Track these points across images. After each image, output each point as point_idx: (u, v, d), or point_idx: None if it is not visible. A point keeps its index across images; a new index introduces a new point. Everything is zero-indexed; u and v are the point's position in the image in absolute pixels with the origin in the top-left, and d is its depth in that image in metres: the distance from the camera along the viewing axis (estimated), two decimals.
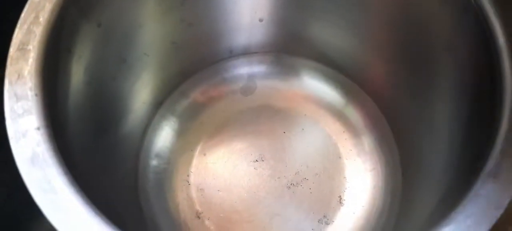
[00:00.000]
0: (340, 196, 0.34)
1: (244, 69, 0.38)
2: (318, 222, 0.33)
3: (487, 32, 0.23)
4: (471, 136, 0.23)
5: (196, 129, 0.37)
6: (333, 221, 0.33)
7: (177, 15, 0.31)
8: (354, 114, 0.37)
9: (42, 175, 0.18)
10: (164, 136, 0.36)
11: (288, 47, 0.37)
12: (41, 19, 0.21)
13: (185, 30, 0.32)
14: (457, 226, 0.17)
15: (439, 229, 0.18)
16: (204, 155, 0.35)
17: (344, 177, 0.35)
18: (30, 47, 0.21)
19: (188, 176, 0.35)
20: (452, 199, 0.20)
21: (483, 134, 0.21)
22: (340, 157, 0.36)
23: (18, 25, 0.21)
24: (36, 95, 0.20)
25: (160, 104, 0.36)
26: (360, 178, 0.35)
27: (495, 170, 0.18)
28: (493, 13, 0.22)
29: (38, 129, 0.19)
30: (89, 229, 0.17)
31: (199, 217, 0.34)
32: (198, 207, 0.34)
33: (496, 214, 0.17)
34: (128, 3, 0.27)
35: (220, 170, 0.35)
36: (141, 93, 0.34)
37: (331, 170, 0.35)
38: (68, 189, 0.18)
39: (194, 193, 0.34)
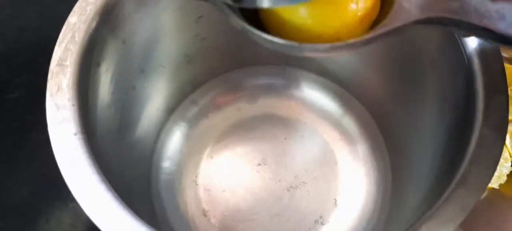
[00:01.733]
0: (335, 199, 0.36)
1: (249, 80, 0.40)
2: (315, 222, 0.35)
3: (465, 55, 0.25)
4: (449, 145, 0.25)
5: (205, 134, 0.38)
6: (328, 222, 0.35)
7: (191, 31, 0.33)
8: (350, 124, 0.39)
9: (80, 174, 0.21)
10: (175, 140, 0.38)
11: (291, 60, 0.39)
12: (77, 38, 0.24)
13: (197, 44, 0.34)
14: (429, 225, 0.20)
15: (416, 228, 0.21)
16: (212, 158, 0.37)
17: (340, 181, 0.37)
18: (68, 63, 0.23)
19: (196, 177, 0.37)
20: (431, 200, 0.22)
21: (458, 144, 0.23)
22: (336, 163, 0.37)
23: (57, 43, 0.24)
24: (73, 105, 0.22)
25: (172, 111, 0.38)
26: (354, 182, 0.37)
27: (464, 177, 0.21)
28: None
29: (75, 134, 0.22)
30: (121, 220, 0.20)
31: (205, 215, 0.35)
32: (205, 206, 0.36)
33: (463, 215, 0.20)
34: (149, 23, 0.29)
35: (225, 172, 0.37)
36: (155, 101, 0.36)
37: (327, 175, 0.37)
38: (100, 186, 0.21)
39: (201, 193, 0.36)
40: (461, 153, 0.23)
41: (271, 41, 0.19)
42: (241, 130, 0.39)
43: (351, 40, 0.19)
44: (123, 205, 0.21)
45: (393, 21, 0.19)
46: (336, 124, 0.39)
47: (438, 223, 0.20)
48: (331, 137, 0.39)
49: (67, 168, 0.21)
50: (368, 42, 0.19)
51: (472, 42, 0.25)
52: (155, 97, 0.36)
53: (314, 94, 0.40)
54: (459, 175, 0.21)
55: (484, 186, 0.21)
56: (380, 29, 0.19)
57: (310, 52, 0.21)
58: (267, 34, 0.20)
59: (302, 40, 0.20)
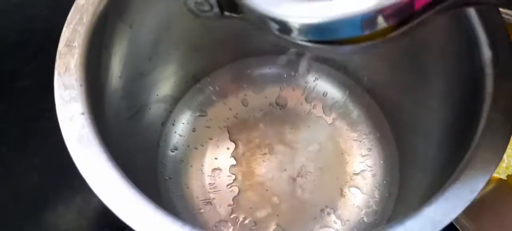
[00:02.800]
0: (341, 189, 0.36)
1: (256, 69, 0.40)
2: (321, 211, 0.35)
3: (474, 42, 0.25)
4: (457, 129, 0.25)
5: (211, 123, 0.39)
6: (334, 211, 0.35)
7: (199, 21, 0.33)
8: (357, 114, 0.39)
9: (86, 152, 0.21)
10: (181, 128, 0.38)
11: (297, 50, 0.40)
12: (84, 20, 0.24)
13: (205, 33, 0.34)
14: (438, 207, 0.20)
15: (423, 209, 0.21)
16: (217, 147, 0.38)
17: (346, 171, 0.37)
18: (76, 44, 0.24)
19: (202, 165, 0.37)
20: (439, 186, 0.22)
21: (466, 128, 0.23)
22: (342, 153, 0.37)
23: (66, 24, 0.24)
24: (80, 85, 0.23)
25: (179, 99, 0.38)
26: (361, 172, 0.37)
27: (471, 159, 0.21)
28: (481, 30, 0.25)
29: (83, 114, 0.22)
30: (126, 198, 0.20)
31: (211, 203, 0.36)
32: (210, 194, 0.36)
33: (471, 197, 0.20)
34: (157, 10, 0.29)
35: (231, 161, 0.37)
36: (162, 89, 0.36)
37: (334, 164, 0.37)
38: (107, 164, 0.21)
39: (207, 181, 0.36)
40: (469, 136, 0.22)
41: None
42: (247, 119, 0.39)
43: (390, 35, 0.18)
44: (130, 183, 0.21)
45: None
46: (342, 114, 0.39)
47: (447, 206, 0.20)
48: (337, 126, 0.39)
49: (74, 146, 0.21)
50: (404, 34, 0.18)
51: (481, 32, 0.25)
52: (162, 85, 0.36)
53: (320, 84, 0.40)
54: (466, 158, 0.21)
55: (492, 169, 0.21)
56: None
57: (351, 52, 0.20)
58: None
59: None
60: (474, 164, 0.21)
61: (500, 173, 0.36)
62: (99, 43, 0.25)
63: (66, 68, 0.23)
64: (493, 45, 0.24)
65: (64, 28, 0.24)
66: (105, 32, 0.25)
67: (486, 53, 0.24)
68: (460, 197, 0.20)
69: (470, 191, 0.20)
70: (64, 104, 0.22)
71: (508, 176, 0.36)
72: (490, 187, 0.37)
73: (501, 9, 0.27)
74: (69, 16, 0.24)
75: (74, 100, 0.22)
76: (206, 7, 0.20)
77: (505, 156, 0.36)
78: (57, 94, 0.22)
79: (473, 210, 0.35)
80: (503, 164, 0.36)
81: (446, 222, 0.20)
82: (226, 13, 0.20)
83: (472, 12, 0.25)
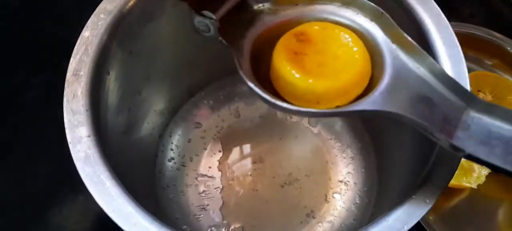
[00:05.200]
0: (326, 195, 0.38)
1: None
2: (306, 216, 0.38)
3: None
4: (422, 150, 0.28)
5: (205, 133, 0.41)
6: (318, 216, 0.38)
7: (192, 41, 0.35)
8: (341, 125, 0.41)
9: (93, 171, 0.24)
10: (177, 139, 0.41)
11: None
12: (89, 51, 0.27)
13: (198, 52, 0.37)
14: (399, 215, 0.23)
15: (386, 218, 0.24)
16: (211, 157, 0.40)
17: (330, 179, 0.39)
18: (82, 73, 0.26)
19: (197, 174, 0.39)
20: (405, 195, 0.25)
21: (427, 151, 0.26)
22: (327, 162, 0.40)
23: (72, 55, 0.27)
24: (87, 110, 0.25)
25: (175, 112, 0.41)
26: (343, 180, 0.39)
27: (427, 179, 0.24)
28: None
29: (89, 136, 0.25)
30: (128, 211, 0.23)
31: (205, 209, 0.38)
32: (205, 201, 0.38)
33: (427, 206, 0.23)
34: (154, 35, 0.32)
35: (224, 170, 0.39)
36: (159, 104, 0.39)
37: (319, 172, 0.39)
38: (111, 182, 0.24)
39: (202, 189, 0.39)
40: (429, 157, 0.25)
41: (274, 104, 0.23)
42: (239, 130, 0.41)
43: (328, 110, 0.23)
44: (130, 197, 0.24)
45: (365, 105, 0.22)
46: (327, 125, 0.42)
47: (406, 214, 0.23)
48: (323, 137, 0.41)
49: (82, 166, 0.24)
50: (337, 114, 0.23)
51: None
52: (159, 101, 0.39)
53: None
54: (424, 174, 0.24)
55: (445, 183, 0.24)
56: (350, 107, 0.22)
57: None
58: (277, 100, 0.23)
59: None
60: (430, 179, 0.24)
61: (471, 182, 0.38)
62: (102, 70, 0.28)
63: (73, 95, 0.26)
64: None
65: (72, 59, 0.27)
66: (107, 60, 0.28)
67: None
68: (417, 206, 0.23)
69: (427, 201, 0.23)
70: (73, 128, 0.25)
71: (479, 185, 0.39)
72: (464, 196, 0.40)
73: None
74: (75, 47, 0.27)
75: (81, 125, 0.25)
76: (205, 28, 0.24)
77: (475, 167, 0.39)
78: (66, 120, 0.25)
79: (450, 218, 0.38)
80: (474, 174, 0.39)
81: (405, 229, 0.23)
82: (220, 38, 0.23)
83: None
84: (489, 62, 0.44)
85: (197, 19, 0.23)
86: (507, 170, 0.20)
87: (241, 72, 0.23)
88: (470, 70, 0.42)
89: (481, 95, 0.42)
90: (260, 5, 0.25)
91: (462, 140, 0.21)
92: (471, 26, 0.43)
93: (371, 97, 0.22)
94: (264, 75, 0.24)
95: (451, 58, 0.27)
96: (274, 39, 0.24)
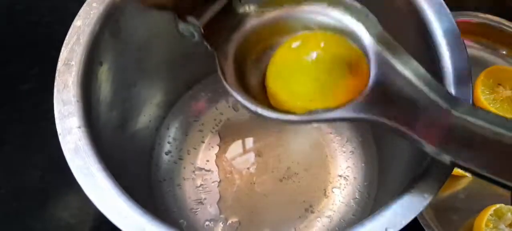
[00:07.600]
0: (325, 189, 0.38)
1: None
2: (305, 210, 0.37)
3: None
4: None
5: (203, 127, 0.40)
6: (317, 210, 0.37)
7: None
8: None
9: (83, 162, 0.23)
10: (174, 133, 0.40)
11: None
12: (81, 40, 0.26)
13: (193, 44, 0.36)
14: (396, 209, 0.23)
15: (384, 212, 0.23)
16: (209, 150, 0.39)
17: (329, 173, 0.39)
18: (73, 62, 0.26)
19: (194, 168, 0.39)
20: (404, 189, 0.24)
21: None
22: (326, 156, 0.39)
23: (64, 44, 0.26)
24: (77, 101, 0.25)
25: (171, 105, 0.40)
26: (343, 174, 0.39)
27: (426, 173, 0.23)
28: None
29: (79, 127, 0.24)
30: (118, 204, 0.23)
31: (202, 203, 0.38)
32: (202, 195, 0.38)
33: (426, 201, 0.22)
34: (148, 26, 0.31)
35: (222, 163, 0.39)
36: (155, 97, 0.38)
37: (318, 166, 0.39)
38: (101, 174, 0.23)
39: (199, 183, 0.38)
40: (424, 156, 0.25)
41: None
42: (238, 124, 0.41)
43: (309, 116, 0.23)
44: (122, 191, 0.23)
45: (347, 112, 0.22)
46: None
47: (402, 210, 0.23)
48: (322, 131, 0.41)
49: (72, 157, 0.24)
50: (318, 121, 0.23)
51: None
52: (156, 93, 0.38)
53: None
54: (420, 172, 0.24)
55: (444, 177, 0.23)
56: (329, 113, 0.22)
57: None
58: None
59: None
60: (427, 176, 0.23)
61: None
62: (94, 60, 0.27)
63: (64, 85, 0.25)
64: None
65: (63, 48, 0.26)
66: (99, 50, 0.28)
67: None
68: (415, 201, 0.23)
69: (425, 196, 0.22)
70: (63, 118, 0.24)
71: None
72: (460, 187, 0.39)
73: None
74: (67, 37, 0.26)
75: (71, 115, 0.24)
76: (190, 34, 0.24)
77: None
78: (56, 110, 0.24)
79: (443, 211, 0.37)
80: None
81: (403, 224, 0.22)
82: (205, 43, 0.24)
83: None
84: (504, 52, 0.45)
85: (181, 26, 0.23)
86: (487, 177, 0.20)
87: (225, 83, 0.24)
88: (484, 59, 0.43)
89: (500, 89, 0.42)
90: (246, 8, 0.25)
91: (445, 144, 0.21)
92: (484, 15, 0.44)
93: (354, 104, 0.22)
94: (246, 77, 0.25)
95: (452, 47, 0.26)
96: (260, 41, 0.24)
